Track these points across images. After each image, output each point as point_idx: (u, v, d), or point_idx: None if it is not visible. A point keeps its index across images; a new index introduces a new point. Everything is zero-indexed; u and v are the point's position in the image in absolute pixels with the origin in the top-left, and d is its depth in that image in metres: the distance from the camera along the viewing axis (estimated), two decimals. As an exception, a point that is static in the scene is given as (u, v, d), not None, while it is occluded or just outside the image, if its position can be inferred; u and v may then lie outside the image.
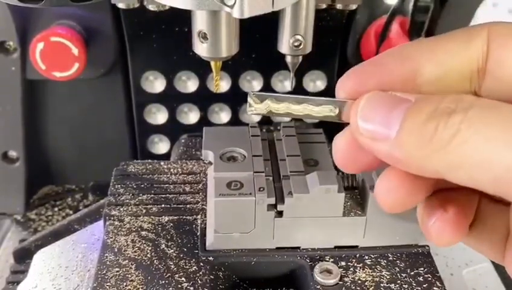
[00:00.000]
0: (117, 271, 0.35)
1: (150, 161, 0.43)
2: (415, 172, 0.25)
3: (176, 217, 0.39)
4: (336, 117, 0.28)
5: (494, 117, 0.22)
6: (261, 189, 0.35)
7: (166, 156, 0.54)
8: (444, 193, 0.27)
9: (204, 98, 0.51)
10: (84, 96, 0.52)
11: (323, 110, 0.28)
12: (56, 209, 0.57)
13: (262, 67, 0.49)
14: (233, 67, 0.47)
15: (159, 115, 0.53)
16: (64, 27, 0.45)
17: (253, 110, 0.28)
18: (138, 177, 0.41)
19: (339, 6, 0.43)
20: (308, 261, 0.36)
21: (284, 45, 0.36)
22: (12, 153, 0.53)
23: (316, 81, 0.50)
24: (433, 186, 0.27)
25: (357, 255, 0.36)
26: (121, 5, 0.42)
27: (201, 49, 0.32)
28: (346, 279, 0.34)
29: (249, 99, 0.27)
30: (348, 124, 0.27)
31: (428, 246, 0.37)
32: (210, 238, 0.36)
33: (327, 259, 0.36)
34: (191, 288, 0.34)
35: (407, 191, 0.27)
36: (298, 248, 0.37)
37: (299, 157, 0.38)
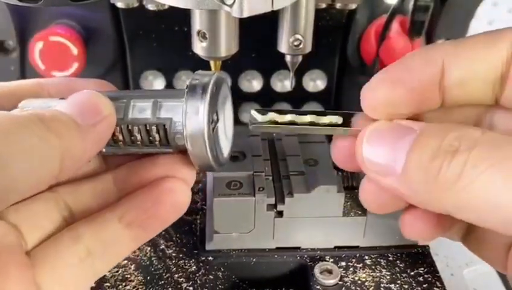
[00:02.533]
0: (116, 271, 0.35)
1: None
2: (423, 207, 0.24)
3: (175, 217, 0.39)
4: (341, 130, 0.27)
5: (499, 158, 0.21)
6: (261, 189, 0.35)
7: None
8: None
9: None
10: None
11: (327, 121, 0.28)
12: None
13: (262, 66, 0.49)
14: (232, 66, 0.47)
15: (158, 115, 0.53)
16: (64, 27, 0.45)
17: (257, 123, 0.27)
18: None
19: (338, 5, 0.43)
20: (308, 261, 0.36)
21: (284, 45, 0.36)
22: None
23: (316, 81, 0.50)
24: None
25: (357, 255, 0.36)
26: (120, 5, 0.42)
27: (200, 48, 0.32)
28: (346, 279, 0.34)
29: (252, 113, 0.27)
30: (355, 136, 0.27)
31: (428, 246, 0.37)
32: (210, 238, 0.36)
33: (327, 259, 0.36)
34: (191, 288, 0.34)
35: (385, 198, 0.28)
36: (298, 248, 0.36)
37: (299, 157, 0.38)
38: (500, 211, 0.21)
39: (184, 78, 0.50)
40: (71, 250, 0.27)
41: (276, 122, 0.28)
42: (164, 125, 0.27)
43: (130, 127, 0.28)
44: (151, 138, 0.28)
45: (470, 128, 0.23)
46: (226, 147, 0.29)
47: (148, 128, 0.27)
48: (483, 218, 0.22)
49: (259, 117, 0.28)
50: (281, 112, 0.28)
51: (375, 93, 0.26)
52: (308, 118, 0.28)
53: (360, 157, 0.26)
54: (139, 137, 0.28)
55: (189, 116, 0.26)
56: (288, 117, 0.28)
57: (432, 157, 0.23)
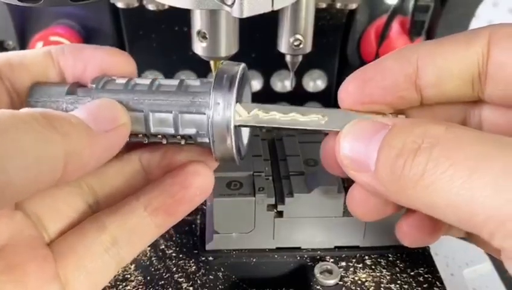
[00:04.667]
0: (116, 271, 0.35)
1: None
2: (399, 204, 0.25)
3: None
4: (324, 125, 0.28)
5: (459, 157, 0.21)
6: (261, 189, 0.35)
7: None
8: None
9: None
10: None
11: (311, 118, 0.28)
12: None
13: (262, 66, 0.49)
14: (233, 66, 0.47)
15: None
16: (64, 26, 0.45)
17: (241, 119, 0.27)
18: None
19: (339, 5, 0.43)
20: (308, 261, 0.36)
21: (284, 45, 0.36)
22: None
23: (316, 81, 0.50)
24: None
25: (357, 255, 0.36)
26: (120, 5, 0.42)
27: (200, 48, 0.32)
28: (346, 279, 0.34)
29: (236, 108, 0.27)
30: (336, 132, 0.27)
31: (428, 246, 0.37)
32: (209, 238, 0.36)
33: (327, 259, 0.36)
34: (191, 288, 0.34)
35: (375, 203, 0.28)
36: (298, 248, 0.36)
37: (299, 157, 0.38)
38: (460, 211, 0.21)
39: (184, 78, 0.50)
40: (97, 240, 0.27)
41: (258, 120, 0.28)
42: (190, 136, 0.28)
43: (153, 132, 0.28)
44: (175, 140, 0.29)
45: (434, 124, 0.23)
46: (246, 136, 0.30)
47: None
48: (448, 216, 0.22)
49: (243, 114, 0.28)
50: (266, 109, 0.28)
51: (347, 90, 0.27)
52: (291, 117, 0.28)
53: (338, 154, 0.26)
54: (164, 141, 0.29)
55: (215, 114, 0.26)
56: (272, 114, 0.28)
57: (396, 155, 0.23)
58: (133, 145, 0.30)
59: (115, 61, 0.30)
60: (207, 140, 0.27)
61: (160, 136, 0.28)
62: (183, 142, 0.29)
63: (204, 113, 0.27)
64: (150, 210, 0.28)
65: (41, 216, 0.27)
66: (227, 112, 0.26)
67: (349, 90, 0.27)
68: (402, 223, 0.30)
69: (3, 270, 0.24)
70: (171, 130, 0.28)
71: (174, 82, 0.28)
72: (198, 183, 0.29)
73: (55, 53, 0.29)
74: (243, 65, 0.28)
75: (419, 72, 0.26)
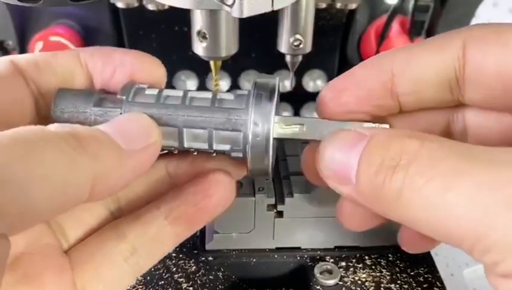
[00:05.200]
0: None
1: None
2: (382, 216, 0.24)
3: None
4: (303, 135, 0.27)
5: (435, 173, 0.21)
6: (261, 189, 0.35)
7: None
8: None
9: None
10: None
11: (291, 128, 0.27)
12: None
13: (262, 66, 0.49)
14: (232, 66, 0.47)
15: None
16: (63, 26, 0.45)
17: (279, 135, 0.27)
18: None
19: (338, 5, 0.43)
20: (308, 261, 0.36)
21: (284, 45, 0.36)
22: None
23: (316, 81, 0.50)
24: None
25: (357, 255, 0.36)
26: (120, 5, 0.42)
27: (200, 48, 0.32)
28: (346, 279, 0.34)
29: (274, 127, 0.26)
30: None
31: (428, 246, 0.37)
32: (210, 238, 0.36)
33: (327, 259, 0.36)
34: (191, 288, 0.34)
35: (364, 215, 0.28)
36: (298, 248, 0.36)
37: (299, 157, 0.38)
38: (438, 227, 0.21)
39: (184, 78, 0.50)
40: (116, 249, 0.27)
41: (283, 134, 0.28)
42: (224, 152, 0.27)
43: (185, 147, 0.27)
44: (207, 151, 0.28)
45: (411, 138, 0.23)
46: (274, 150, 0.29)
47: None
48: (429, 232, 0.22)
49: (281, 131, 0.27)
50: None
51: (324, 101, 0.27)
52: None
53: (318, 164, 0.26)
54: (195, 153, 0.28)
55: (254, 135, 0.26)
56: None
57: (376, 171, 0.23)
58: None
59: (144, 66, 0.28)
60: (241, 155, 0.27)
61: (192, 149, 0.28)
62: (214, 154, 0.28)
63: (240, 131, 0.26)
64: (171, 219, 0.27)
65: (63, 224, 0.27)
66: (266, 132, 0.26)
67: (325, 100, 0.27)
68: (403, 232, 0.30)
69: (20, 279, 0.24)
70: (205, 146, 0.27)
71: (207, 95, 0.27)
72: (221, 192, 0.28)
73: (83, 56, 0.28)
74: (277, 80, 0.27)
75: (395, 79, 0.26)
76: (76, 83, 0.28)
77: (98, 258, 0.26)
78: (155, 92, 0.27)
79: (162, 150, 0.27)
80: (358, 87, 0.27)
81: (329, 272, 0.35)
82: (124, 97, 0.27)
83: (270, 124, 0.26)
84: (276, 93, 0.27)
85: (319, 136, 0.27)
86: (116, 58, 0.28)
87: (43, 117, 0.27)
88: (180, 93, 0.27)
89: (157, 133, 0.25)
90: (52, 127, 0.22)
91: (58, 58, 0.28)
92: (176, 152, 0.28)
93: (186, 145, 0.27)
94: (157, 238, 0.28)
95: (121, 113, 0.26)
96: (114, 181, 0.23)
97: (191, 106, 0.27)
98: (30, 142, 0.20)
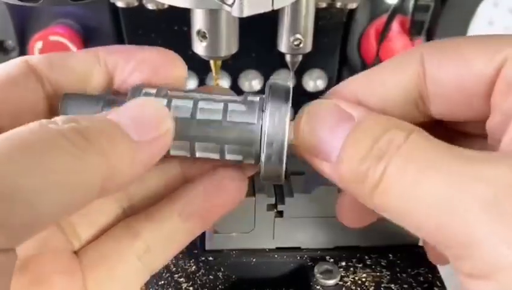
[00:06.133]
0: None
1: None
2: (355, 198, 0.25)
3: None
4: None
5: (410, 166, 0.22)
6: (261, 189, 0.35)
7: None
8: None
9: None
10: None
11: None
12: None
13: (262, 66, 0.49)
14: (233, 66, 0.47)
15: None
16: (63, 26, 0.45)
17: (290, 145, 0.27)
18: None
19: (339, 5, 0.43)
20: (308, 261, 0.36)
21: (284, 44, 0.36)
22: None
23: (316, 80, 0.50)
24: None
25: (357, 255, 0.36)
26: (120, 4, 0.42)
27: (200, 48, 0.32)
28: (346, 279, 0.34)
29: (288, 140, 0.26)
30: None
31: (428, 246, 0.37)
32: (209, 239, 0.36)
33: (327, 259, 0.36)
34: (191, 288, 0.34)
35: (360, 213, 0.29)
36: (298, 248, 0.36)
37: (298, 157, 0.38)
38: (409, 220, 0.22)
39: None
40: (130, 248, 0.26)
41: None
42: (236, 161, 0.27)
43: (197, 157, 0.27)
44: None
45: (399, 129, 0.23)
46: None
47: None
48: (401, 223, 0.23)
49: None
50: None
51: (297, 129, 0.26)
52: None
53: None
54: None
55: (267, 159, 0.26)
56: None
57: (361, 159, 0.23)
58: None
59: (166, 63, 0.28)
60: (252, 162, 0.27)
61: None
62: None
63: (253, 146, 0.26)
64: (185, 216, 0.27)
65: (75, 223, 0.26)
66: (280, 147, 0.25)
67: (299, 132, 0.27)
68: (337, 205, 0.30)
69: (30, 283, 0.24)
70: (217, 156, 0.27)
71: (218, 106, 0.26)
72: (232, 188, 0.27)
73: (102, 55, 0.27)
74: (291, 84, 0.27)
75: (362, 105, 0.26)
76: (93, 82, 0.27)
77: (112, 257, 0.26)
78: (164, 101, 0.26)
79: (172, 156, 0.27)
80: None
81: (329, 272, 0.35)
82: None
83: (284, 137, 0.25)
84: (290, 103, 0.26)
85: None
86: (137, 55, 0.27)
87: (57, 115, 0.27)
88: (189, 103, 0.26)
89: (170, 121, 0.24)
90: (59, 120, 0.20)
91: (75, 58, 0.27)
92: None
93: (197, 155, 0.27)
94: (171, 235, 0.27)
95: None
96: (124, 177, 0.22)
97: (203, 123, 0.26)
98: (32, 147, 0.19)
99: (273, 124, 0.25)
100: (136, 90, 0.27)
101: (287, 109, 0.26)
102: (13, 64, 0.26)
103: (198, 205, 0.27)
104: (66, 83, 0.27)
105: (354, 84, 0.27)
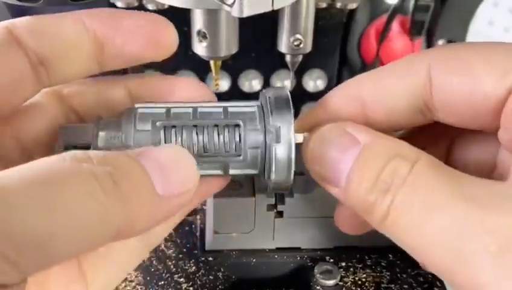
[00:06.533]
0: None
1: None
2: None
3: (175, 217, 0.39)
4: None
5: (415, 202, 0.22)
6: (261, 189, 0.35)
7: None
8: None
9: (203, 98, 0.51)
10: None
11: None
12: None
13: (262, 66, 0.49)
14: (233, 66, 0.47)
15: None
16: (63, 26, 0.45)
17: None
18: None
19: (339, 5, 0.43)
20: (308, 261, 0.36)
21: (284, 44, 0.36)
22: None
23: (316, 80, 0.50)
24: None
25: (357, 256, 0.36)
26: (120, 4, 0.42)
27: (200, 48, 0.32)
28: (346, 279, 0.34)
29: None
30: None
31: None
32: (209, 239, 0.36)
33: (327, 259, 0.36)
34: (191, 288, 0.34)
35: (359, 221, 0.29)
36: (298, 248, 0.36)
37: (299, 157, 0.38)
38: (416, 253, 0.23)
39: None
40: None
41: None
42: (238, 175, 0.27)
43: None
44: None
45: (403, 160, 0.23)
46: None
47: None
48: (410, 253, 0.23)
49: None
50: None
51: (305, 155, 0.27)
52: None
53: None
54: None
55: (276, 173, 0.26)
56: None
57: (369, 189, 0.23)
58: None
59: (158, 33, 0.26)
60: (257, 173, 0.27)
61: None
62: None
63: (257, 168, 0.26)
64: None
65: None
66: (287, 167, 0.26)
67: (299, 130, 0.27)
68: (336, 213, 0.31)
69: None
70: (220, 173, 0.26)
71: (216, 121, 0.26)
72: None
73: (88, 20, 0.25)
74: (288, 91, 0.27)
75: (368, 108, 0.26)
76: (84, 53, 0.26)
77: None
78: (162, 119, 0.26)
79: None
80: (330, 118, 0.27)
81: (329, 272, 0.34)
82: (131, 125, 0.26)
83: (291, 153, 0.25)
84: (293, 112, 0.26)
85: None
86: (126, 22, 0.26)
87: (45, 87, 0.25)
88: (187, 121, 0.26)
89: (196, 178, 0.22)
90: (94, 159, 0.19)
91: (63, 26, 0.26)
92: None
93: (200, 172, 0.26)
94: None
95: (128, 146, 0.25)
96: (140, 227, 0.21)
97: (204, 147, 0.26)
98: (56, 184, 0.17)
99: (279, 139, 0.26)
100: (132, 111, 0.26)
101: (291, 121, 0.26)
102: None
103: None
104: (51, 52, 0.25)
105: (360, 88, 0.27)
